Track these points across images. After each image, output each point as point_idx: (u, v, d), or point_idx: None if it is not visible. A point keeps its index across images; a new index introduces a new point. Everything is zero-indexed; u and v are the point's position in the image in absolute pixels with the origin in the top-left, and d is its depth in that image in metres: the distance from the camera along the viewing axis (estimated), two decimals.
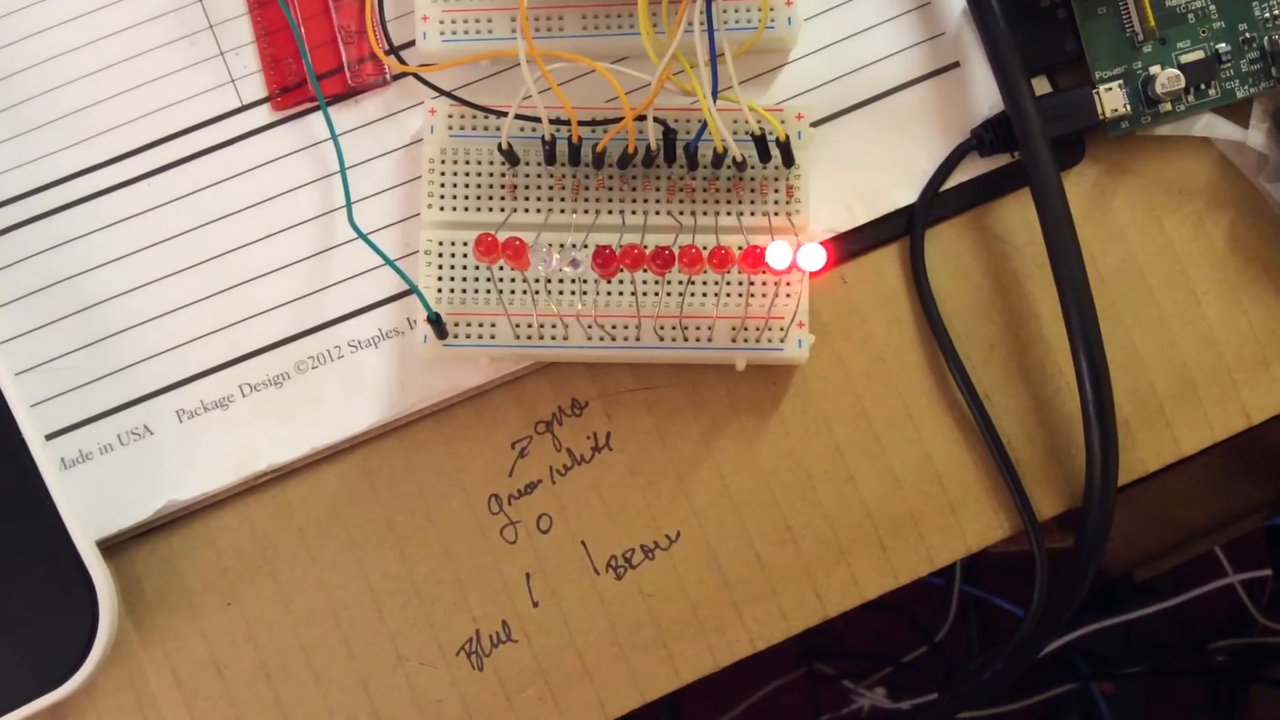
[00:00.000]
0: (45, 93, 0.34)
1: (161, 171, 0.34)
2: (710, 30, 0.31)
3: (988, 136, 0.34)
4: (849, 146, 0.35)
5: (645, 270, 0.32)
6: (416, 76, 0.34)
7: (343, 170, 0.33)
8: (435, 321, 0.32)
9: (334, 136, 0.34)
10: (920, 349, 0.34)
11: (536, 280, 0.32)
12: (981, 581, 0.76)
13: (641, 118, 0.32)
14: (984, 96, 0.35)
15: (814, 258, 0.30)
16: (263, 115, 0.34)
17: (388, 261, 0.33)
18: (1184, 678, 0.77)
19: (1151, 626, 0.72)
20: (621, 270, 0.31)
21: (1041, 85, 0.35)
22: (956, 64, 0.35)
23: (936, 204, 0.35)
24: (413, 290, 0.32)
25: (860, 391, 0.34)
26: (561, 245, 0.32)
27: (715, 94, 0.32)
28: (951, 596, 0.75)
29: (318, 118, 0.34)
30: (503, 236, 0.33)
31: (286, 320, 0.34)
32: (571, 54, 0.32)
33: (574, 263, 0.31)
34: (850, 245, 0.35)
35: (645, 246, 0.32)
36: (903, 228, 0.35)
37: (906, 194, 0.35)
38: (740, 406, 0.34)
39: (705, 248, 0.32)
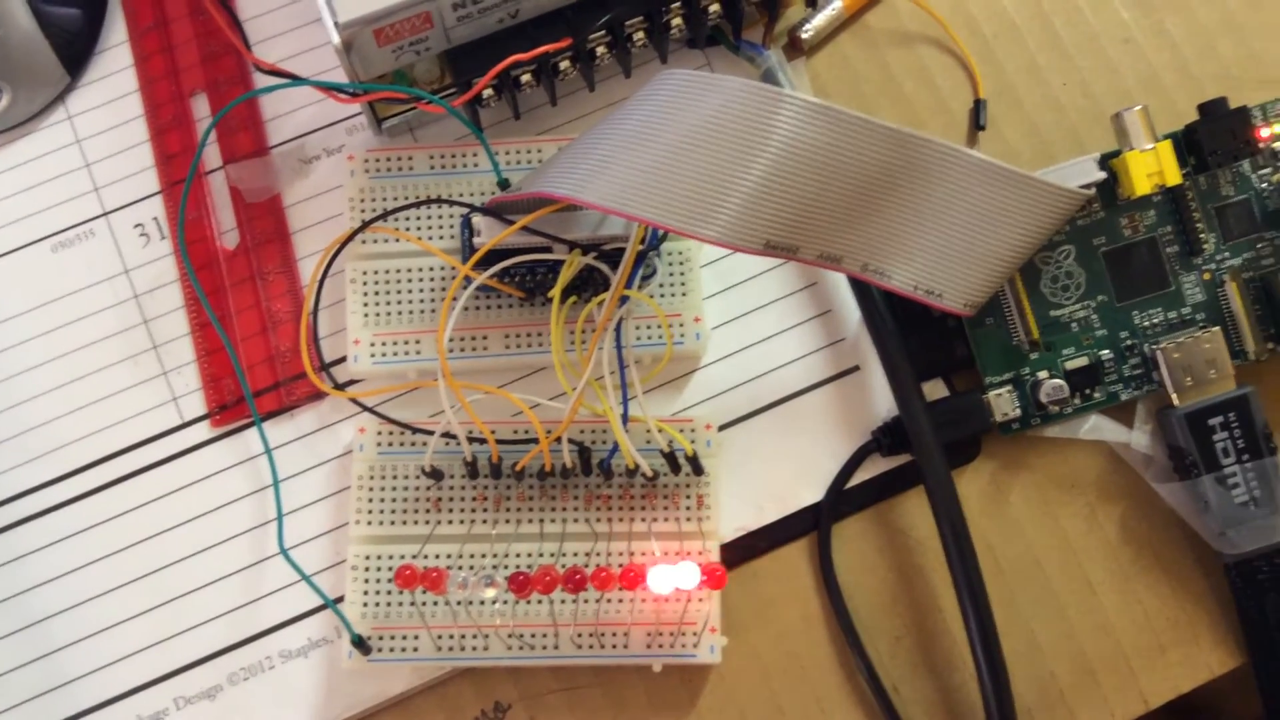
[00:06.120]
0: (2, 412, 0.36)
1: (104, 489, 0.36)
2: (621, 366, 0.33)
3: (886, 440, 0.36)
4: (758, 447, 0.37)
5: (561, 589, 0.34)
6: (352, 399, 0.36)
7: (276, 486, 0.35)
8: (359, 642, 0.33)
9: (268, 453, 0.36)
10: (831, 644, 0.36)
11: (458, 603, 0.34)
12: None
13: (558, 439, 0.34)
14: (883, 397, 0.37)
15: (690, 578, 0.34)
16: (202, 431, 0.36)
17: (313, 586, 0.35)
18: None
19: None
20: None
21: (938, 388, 0.37)
22: (857, 368, 0.37)
23: (842, 501, 0.37)
24: (336, 613, 0.34)
25: (775, 688, 0.36)
26: (478, 571, 0.34)
27: (626, 419, 0.34)
28: None
29: (255, 432, 0.36)
30: (427, 551, 0.35)
31: (220, 632, 0.35)
32: (489, 387, 0.34)
33: (490, 582, 0.33)
34: (761, 541, 0.36)
35: (562, 561, 0.34)
36: (811, 524, 0.37)
37: (813, 492, 0.37)
38: (659, 704, 0.35)
39: (621, 554, 0.34)
